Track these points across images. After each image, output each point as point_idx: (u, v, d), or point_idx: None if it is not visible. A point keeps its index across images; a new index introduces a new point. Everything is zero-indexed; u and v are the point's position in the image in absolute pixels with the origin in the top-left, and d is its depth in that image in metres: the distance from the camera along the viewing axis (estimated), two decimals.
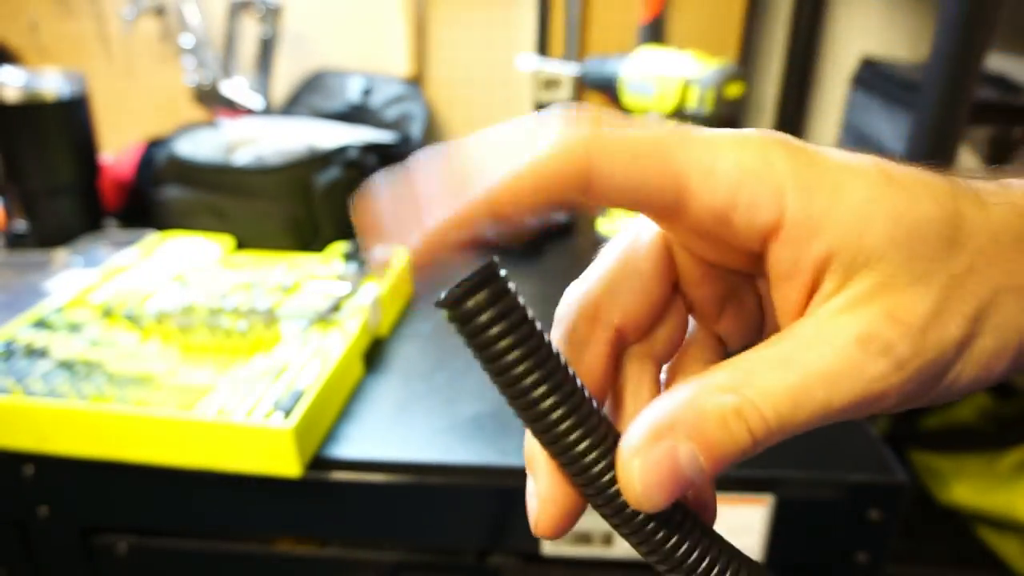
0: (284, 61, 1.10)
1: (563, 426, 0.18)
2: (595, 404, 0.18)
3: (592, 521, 0.54)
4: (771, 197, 0.17)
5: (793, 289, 0.18)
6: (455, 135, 1.14)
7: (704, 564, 0.18)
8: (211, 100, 1.11)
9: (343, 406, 0.60)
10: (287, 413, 0.52)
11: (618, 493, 0.18)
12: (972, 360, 0.18)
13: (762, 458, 0.59)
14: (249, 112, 1.09)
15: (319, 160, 0.85)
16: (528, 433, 0.19)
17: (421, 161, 0.17)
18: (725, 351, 0.22)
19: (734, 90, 0.77)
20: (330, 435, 0.56)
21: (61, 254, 0.85)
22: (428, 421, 0.58)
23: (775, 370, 0.17)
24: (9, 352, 0.60)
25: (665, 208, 0.18)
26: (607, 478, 0.18)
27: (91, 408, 0.52)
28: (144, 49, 1.12)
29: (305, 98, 1.10)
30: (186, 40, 1.08)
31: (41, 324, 0.64)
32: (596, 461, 0.18)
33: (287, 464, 0.51)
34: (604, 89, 0.89)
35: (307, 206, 0.84)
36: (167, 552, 0.59)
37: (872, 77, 0.96)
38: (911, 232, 0.17)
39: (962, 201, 0.18)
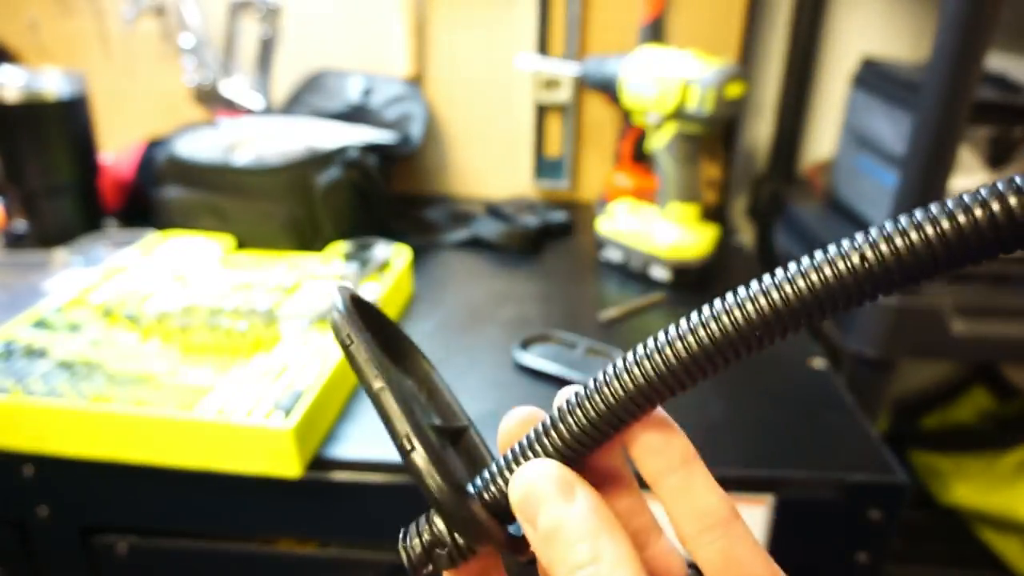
0: (284, 61, 1.10)
1: None
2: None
3: None
4: None
5: None
6: (455, 135, 1.14)
7: None
8: (211, 100, 1.11)
9: (343, 406, 0.59)
10: (287, 413, 0.52)
11: None
12: None
13: (762, 458, 0.58)
14: (249, 112, 1.09)
15: (319, 160, 0.85)
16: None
17: None
18: None
19: (734, 90, 0.76)
20: (330, 435, 0.56)
21: (61, 254, 0.85)
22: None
23: None
24: (9, 352, 0.60)
25: None
26: None
27: (91, 408, 0.52)
28: (144, 49, 1.12)
29: (305, 98, 1.10)
30: (186, 40, 1.08)
31: (41, 324, 0.64)
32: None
33: (287, 464, 0.51)
34: (604, 89, 0.89)
35: (307, 206, 0.83)
36: (167, 552, 0.59)
37: (872, 77, 0.96)
38: None
39: None
